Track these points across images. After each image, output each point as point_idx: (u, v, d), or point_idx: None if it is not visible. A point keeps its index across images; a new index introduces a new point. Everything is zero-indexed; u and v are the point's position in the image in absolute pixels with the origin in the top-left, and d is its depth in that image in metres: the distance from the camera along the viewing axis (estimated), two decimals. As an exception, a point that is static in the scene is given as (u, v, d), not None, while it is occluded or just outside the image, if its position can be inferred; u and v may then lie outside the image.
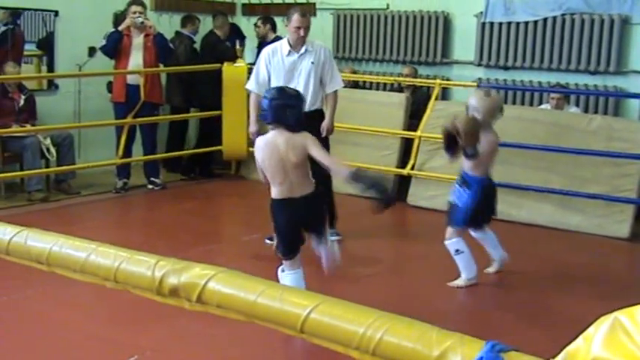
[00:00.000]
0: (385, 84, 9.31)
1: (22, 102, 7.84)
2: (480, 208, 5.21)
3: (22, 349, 4.14)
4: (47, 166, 7.87)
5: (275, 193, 4.22)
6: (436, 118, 7.71)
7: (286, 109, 4.03)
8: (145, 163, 8.37)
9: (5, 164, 7.72)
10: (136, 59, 7.92)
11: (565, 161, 7.07)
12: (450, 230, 5.28)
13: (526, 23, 8.50)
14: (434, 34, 9.14)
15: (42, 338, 4.27)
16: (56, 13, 8.58)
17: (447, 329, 1.39)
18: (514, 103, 8.60)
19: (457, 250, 5.24)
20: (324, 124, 6.21)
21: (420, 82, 8.67)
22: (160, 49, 8.05)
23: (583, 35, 8.14)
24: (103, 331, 4.10)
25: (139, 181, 8.26)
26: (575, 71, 8.27)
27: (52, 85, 8.74)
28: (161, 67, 8.37)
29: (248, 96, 8.52)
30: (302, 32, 6.03)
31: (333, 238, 6.34)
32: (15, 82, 7.80)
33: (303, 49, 6.11)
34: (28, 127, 7.69)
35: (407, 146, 8.00)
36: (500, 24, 8.65)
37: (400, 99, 8.19)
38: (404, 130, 8.02)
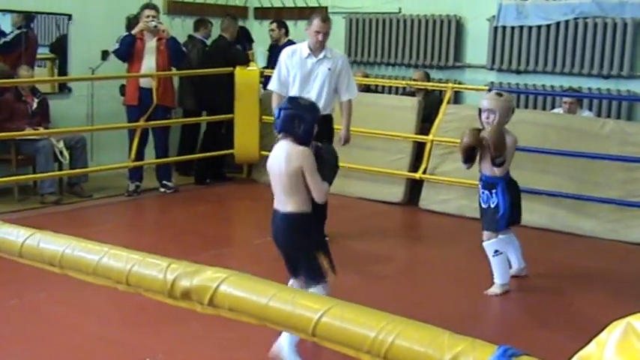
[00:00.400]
0: (397, 88, 9.31)
1: (35, 105, 7.88)
2: (512, 204, 5.16)
3: (33, 351, 4.16)
4: (60, 169, 7.91)
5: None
6: (448, 121, 7.70)
7: (296, 120, 3.89)
8: (158, 166, 8.39)
9: (19, 167, 7.75)
10: (148, 63, 7.94)
11: (578, 166, 7.04)
12: (487, 232, 5.20)
13: (539, 27, 8.48)
14: (446, 37, 9.13)
15: (53, 340, 4.29)
16: (70, 17, 8.63)
17: (458, 333, 1.38)
18: (526, 107, 8.58)
19: (496, 252, 5.15)
20: (342, 134, 6.31)
21: (432, 86, 8.67)
22: (173, 52, 8.07)
23: (596, 39, 8.12)
24: (115, 334, 4.11)
25: (151, 184, 8.29)
26: (588, 75, 8.24)
27: (65, 89, 8.78)
28: (174, 70, 8.39)
29: (260, 100, 8.61)
30: (320, 37, 6.10)
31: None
32: (28, 85, 7.85)
33: (321, 55, 6.18)
34: (42, 130, 7.73)
35: (419, 150, 7.99)
36: (513, 28, 8.63)
37: (412, 103, 8.19)
38: (416, 133, 8.01)
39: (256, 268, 5.73)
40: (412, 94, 8.76)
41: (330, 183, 4.01)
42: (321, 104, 6.06)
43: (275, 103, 6.29)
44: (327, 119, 6.23)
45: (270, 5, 10.51)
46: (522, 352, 1.30)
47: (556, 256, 6.39)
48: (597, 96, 8.13)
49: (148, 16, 7.90)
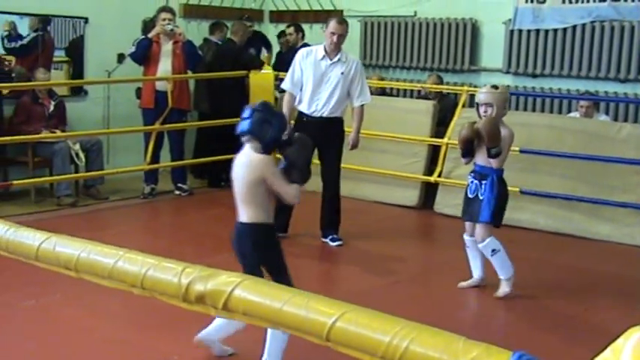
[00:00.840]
0: (412, 91, 9.30)
1: (52, 108, 7.93)
2: (502, 200, 5.12)
3: (47, 353, 4.18)
4: (76, 172, 7.96)
5: None
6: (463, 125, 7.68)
7: (265, 125, 3.78)
8: (173, 169, 8.42)
9: (35, 169, 7.80)
10: (164, 66, 7.96)
11: (594, 169, 7.00)
12: (480, 232, 5.15)
13: (555, 30, 8.44)
14: (461, 41, 9.11)
15: (68, 342, 4.30)
16: (86, 20, 8.68)
17: (472, 339, 1.38)
18: (543, 110, 8.55)
19: (494, 250, 5.12)
20: (351, 138, 6.35)
21: (447, 89, 8.65)
22: (189, 56, 8.10)
23: (613, 42, 8.07)
24: (130, 336, 4.12)
25: (167, 186, 8.31)
26: (604, 79, 8.20)
27: (82, 91, 8.83)
28: (189, 74, 8.41)
29: (276, 102, 8.61)
30: (335, 39, 6.17)
31: (334, 243, 6.40)
32: (45, 88, 7.90)
33: (336, 58, 6.23)
34: (58, 132, 7.77)
35: (434, 153, 7.98)
36: (529, 31, 8.60)
37: (427, 106, 8.17)
38: (431, 137, 8.00)
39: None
40: (427, 97, 8.75)
41: (303, 182, 3.93)
42: (330, 106, 6.25)
43: (287, 102, 6.36)
44: (336, 122, 6.32)
45: (285, 8, 10.53)
46: (537, 359, 1.29)
47: (571, 260, 6.35)
48: (614, 99, 8.09)
49: (164, 20, 7.93)
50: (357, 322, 1.49)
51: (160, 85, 7.98)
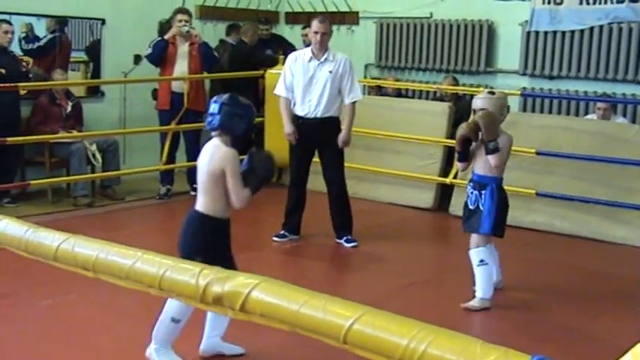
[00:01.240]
0: (428, 92, 9.28)
1: (69, 108, 7.98)
2: (503, 209, 5.02)
3: (64, 350, 4.20)
4: (93, 172, 8.00)
5: None
6: (479, 127, 7.65)
7: (236, 118, 3.80)
8: (188, 169, 8.42)
9: (52, 170, 7.85)
10: (181, 67, 7.99)
11: (611, 172, 6.96)
12: (475, 239, 5.05)
13: (572, 32, 8.40)
14: (478, 42, 9.08)
15: (84, 341, 4.32)
16: (103, 21, 8.72)
17: (489, 342, 1.37)
18: (559, 113, 8.51)
19: (482, 261, 4.96)
20: (341, 136, 6.33)
21: (463, 91, 8.63)
22: (205, 57, 8.12)
23: (631, 44, 8.03)
24: (146, 335, 4.12)
25: (182, 187, 8.33)
26: (622, 81, 8.15)
27: (99, 92, 8.87)
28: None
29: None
30: (319, 37, 6.22)
31: (349, 244, 6.40)
32: (62, 88, 7.94)
33: (323, 57, 6.26)
34: (75, 133, 7.82)
35: (449, 155, 7.95)
36: (546, 33, 8.56)
37: (443, 108, 8.15)
38: (446, 138, 7.98)
39: (286, 273, 5.76)
40: (443, 99, 8.73)
41: (255, 191, 3.93)
42: (322, 107, 6.27)
43: (284, 107, 6.36)
44: (330, 121, 6.32)
45: (301, 10, 10.54)
46: (556, 363, 1.28)
47: (588, 263, 6.32)
48: (632, 101, 8.04)
49: (180, 21, 7.95)
50: (374, 324, 1.49)
51: (176, 87, 8.01)
